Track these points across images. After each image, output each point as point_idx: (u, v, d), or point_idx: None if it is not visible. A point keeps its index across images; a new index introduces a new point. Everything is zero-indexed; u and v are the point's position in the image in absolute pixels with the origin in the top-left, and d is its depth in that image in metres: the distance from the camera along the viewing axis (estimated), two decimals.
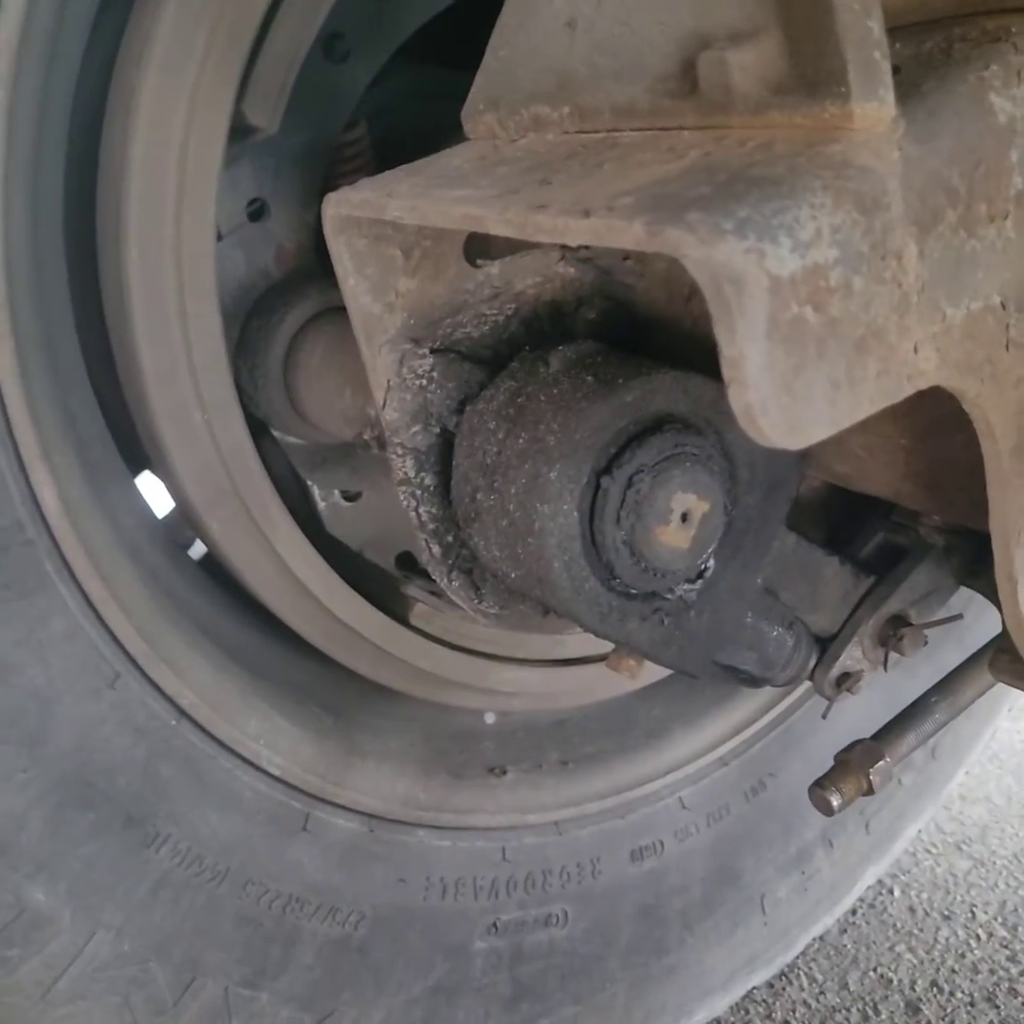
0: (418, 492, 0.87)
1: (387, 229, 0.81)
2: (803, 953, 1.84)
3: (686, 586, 0.84)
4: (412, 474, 0.86)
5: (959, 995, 1.82)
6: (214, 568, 1.24)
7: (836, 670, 1.00)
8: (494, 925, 1.38)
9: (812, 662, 0.98)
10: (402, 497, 0.88)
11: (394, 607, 1.30)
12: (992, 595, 0.98)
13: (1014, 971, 1.86)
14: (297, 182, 1.17)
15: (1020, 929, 1.96)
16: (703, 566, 0.84)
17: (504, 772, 1.41)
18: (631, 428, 0.78)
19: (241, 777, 1.16)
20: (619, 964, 1.50)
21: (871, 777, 1.03)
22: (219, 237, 1.14)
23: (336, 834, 1.24)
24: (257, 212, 1.16)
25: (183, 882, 1.12)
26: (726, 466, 0.83)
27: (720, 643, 0.88)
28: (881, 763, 1.03)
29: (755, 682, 0.94)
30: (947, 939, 1.94)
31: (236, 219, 1.15)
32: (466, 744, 1.41)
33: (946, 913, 2.01)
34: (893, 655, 1.03)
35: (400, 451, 0.86)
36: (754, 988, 1.75)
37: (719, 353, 0.54)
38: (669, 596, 0.83)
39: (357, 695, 1.32)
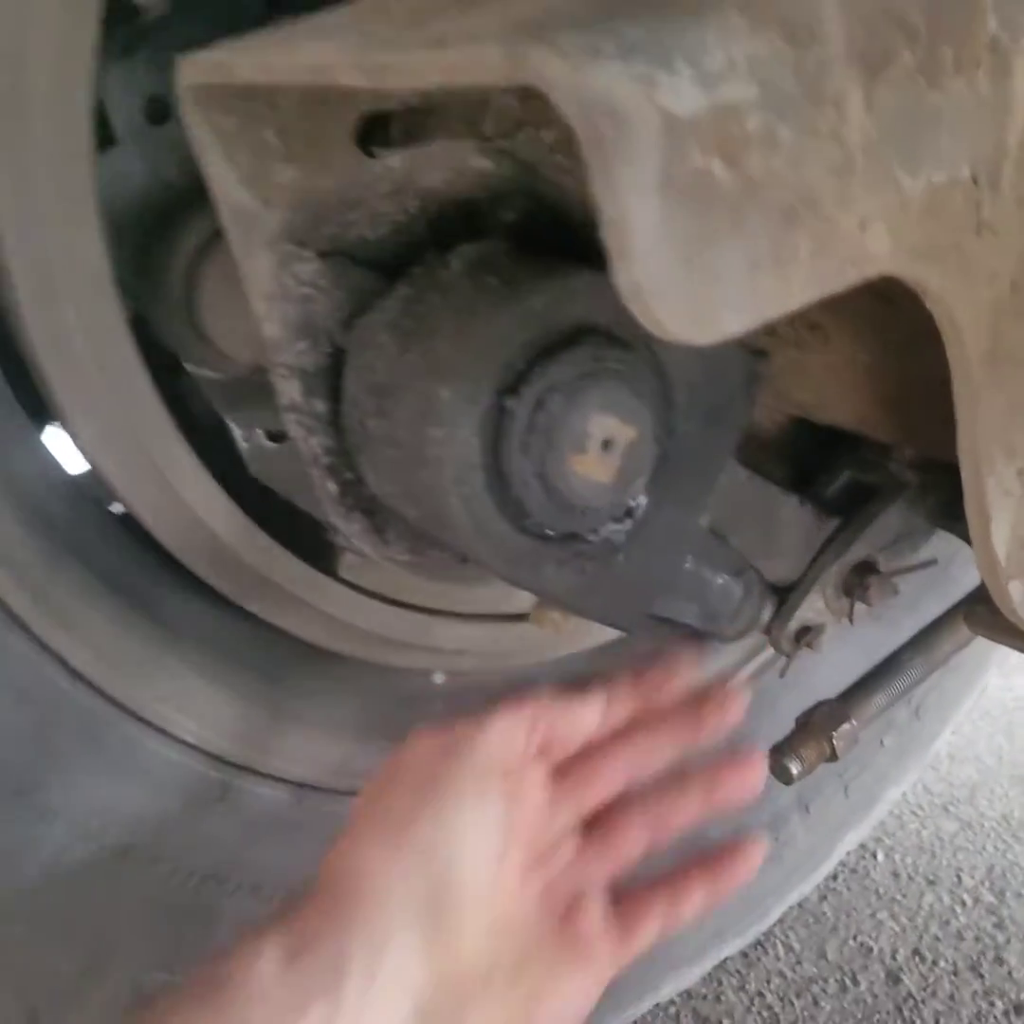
0: (308, 420, 0.76)
1: (259, 106, 0.69)
2: (780, 921, 1.75)
3: (612, 526, 0.73)
4: (300, 399, 0.75)
5: (942, 964, 1.73)
6: (128, 520, 1.13)
7: (795, 623, 0.89)
8: None
9: (766, 614, 0.87)
10: (290, 426, 0.76)
11: (325, 558, 1.19)
12: (969, 539, 0.87)
13: (1000, 938, 1.77)
14: None
15: (1008, 894, 1.87)
16: (632, 504, 0.73)
17: None
18: (542, 339, 0.66)
19: (147, 745, 1.06)
20: None
21: (835, 742, 0.92)
22: (114, 142, 1.02)
23: (259, 804, 1.14)
24: (158, 114, 1.04)
25: (81, 860, 1.02)
26: (658, 386, 0.71)
27: (655, 592, 0.77)
28: (845, 726, 0.93)
29: (697, 637, 0.83)
30: (931, 905, 1.85)
31: (134, 122, 1.03)
32: (411, 706, 1.30)
33: (931, 878, 1.91)
34: (860, 607, 0.91)
35: (284, 372, 0.74)
36: (727, 958, 1.66)
37: (599, 219, 0.43)
38: (592, 538, 0.72)
39: (288, 654, 1.21)
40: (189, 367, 1.12)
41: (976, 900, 1.85)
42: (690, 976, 1.59)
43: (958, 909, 1.83)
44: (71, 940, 1.04)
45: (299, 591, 1.13)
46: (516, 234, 0.77)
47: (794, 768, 0.91)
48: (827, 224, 0.49)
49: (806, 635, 0.90)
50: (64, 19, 0.86)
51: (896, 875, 1.91)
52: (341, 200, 0.74)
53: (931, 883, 1.89)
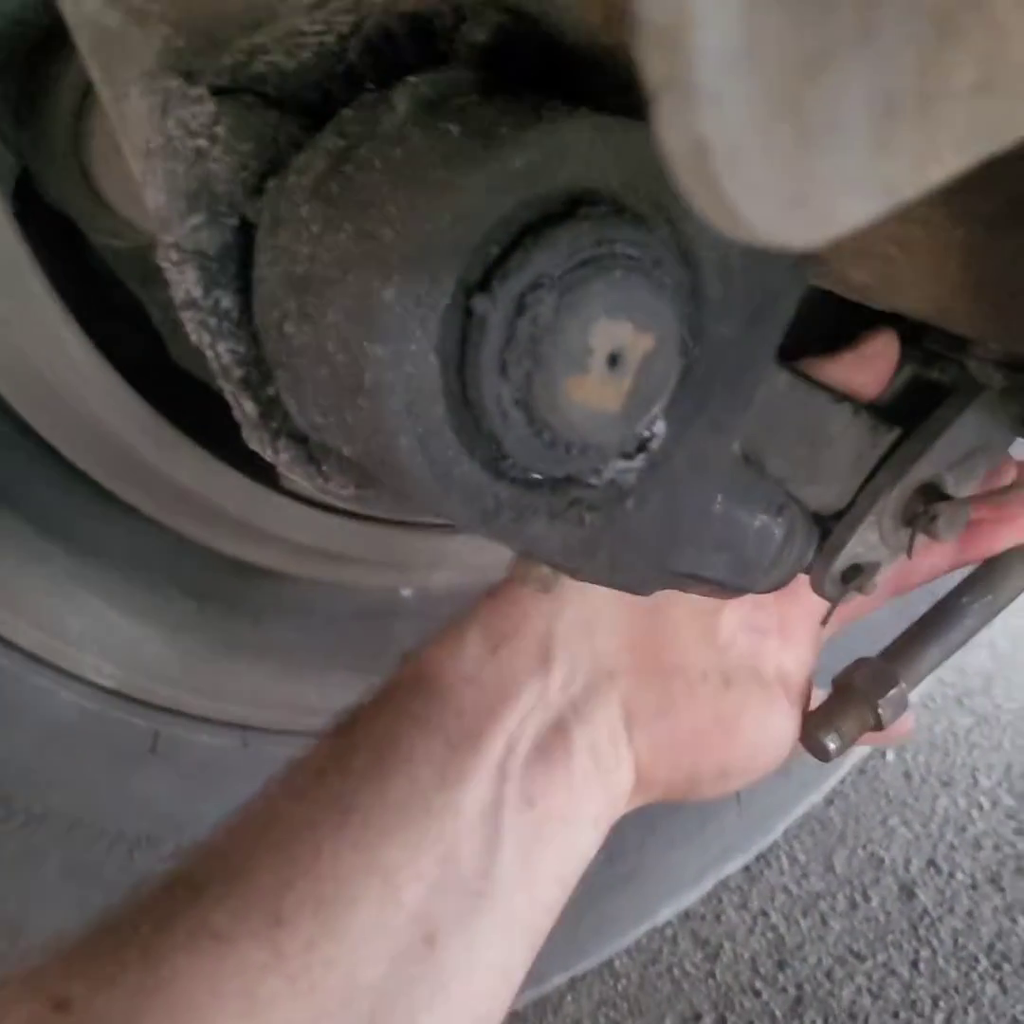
0: (212, 320, 0.56)
1: None
2: (784, 831, 1.62)
3: (621, 465, 0.54)
4: (199, 292, 0.55)
5: (960, 876, 1.62)
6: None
7: (842, 561, 0.71)
8: None
9: (809, 555, 0.69)
10: (190, 327, 0.57)
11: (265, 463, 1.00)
12: None
13: (1021, 846, 1.66)
14: None
15: None
16: (646, 435, 0.54)
17: None
18: (524, 213, 0.47)
19: (60, 695, 0.89)
20: None
21: (880, 709, 0.76)
22: None
23: (197, 753, 0.98)
24: None
25: None
26: (684, 277, 0.52)
27: (674, 545, 0.59)
28: (894, 691, 0.76)
29: (727, 592, 0.65)
30: (946, 810, 1.73)
31: None
32: (375, 628, 1.13)
33: (945, 779, 1.79)
34: (921, 539, 0.74)
35: (175, 256, 0.54)
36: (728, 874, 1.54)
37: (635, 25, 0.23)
38: (594, 481, 0.54)
39: (228, 576, 1.04)
40: (90, 235, 0.92)
41: (994, 803, 1.73)
42: (689, 898, 1.47)
43: (975, 813, 1.71)
44: None
45: (234, 507, 0.95)
46: (486, 63, 0.56)
47: (832, 744, 0.75)
48: (999, 37, 0.30)
49: (857, 576, 0.72)
50: None
51: (908, 776, 1.79)
52: (245, 15, 0.53)
53: (945, 785, 1.77)
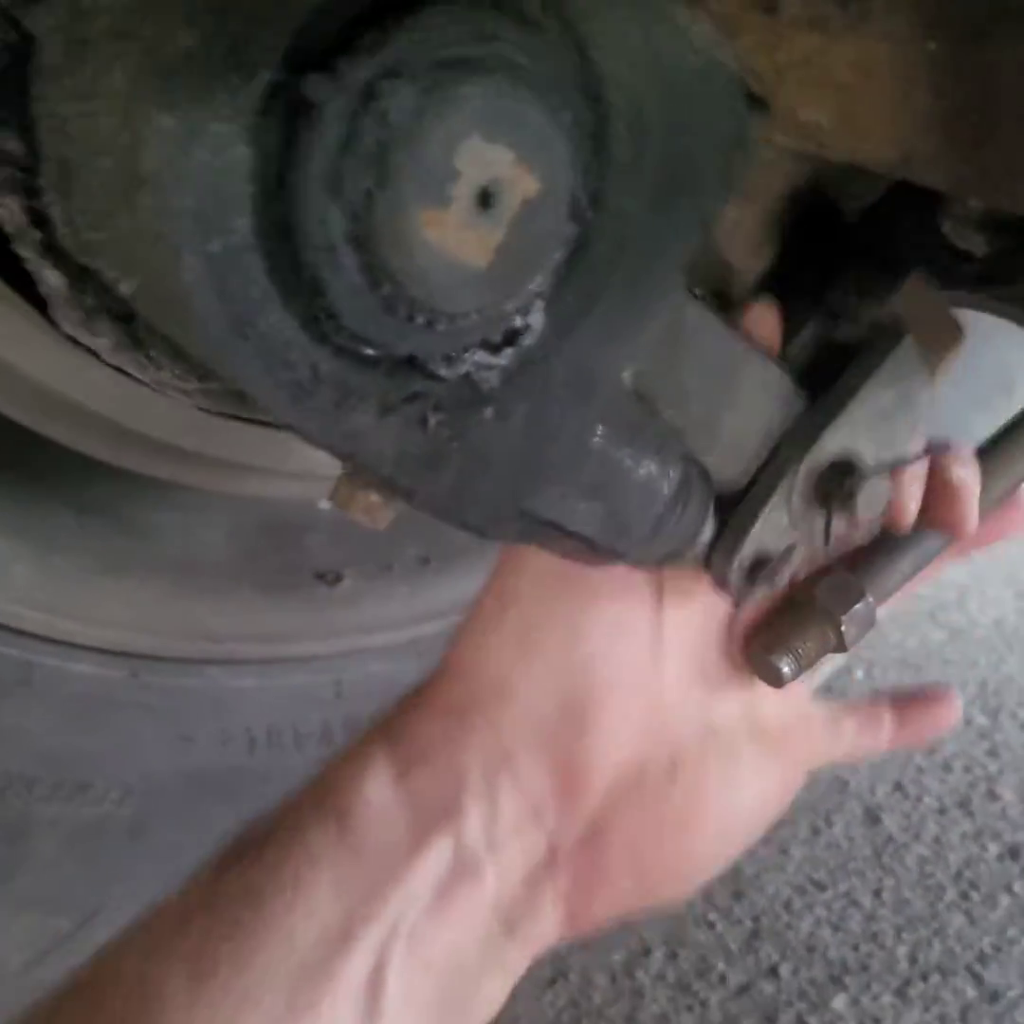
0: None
1: None
2: None
3: (481, 357, 0.42)
4: None
5: (927, 800, 1.58)
6: None
7: (747, 550, 0.59)
8: None
9: (704, 532, 0.57)
10: None
11: None
12: None
13: (992, 768, 1.61)
14: None
15: (1001, 715, 1.70)
16: (517, 324, 0.42)
17: (339, 578, 1.05)
18: None
19: None
20: None
21: (843, 626, 0.65)
22: None
23: (78, 685, 0.89)
24: None
25: None
26: (587, 117, 0.41)
27: (538, 478, 0.47)
28: (859, 606, 0.65)
29: (595, 555, 0.54)
30: None
31: None
32: (285, 542, 1.04)
33: None
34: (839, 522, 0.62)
35: None
36: None
37: None
38: (444, 372, 0.42)
39: (114, 486, 0.94)
40: None
41: (967, 722, 1.69)
42: None
43: (945, 734, 1.66)
44: None
45: (110, 411, 0.84)
46: None
47: (786, 668, 0.65)
48: None
49: (763, 568, 0.60)
50: None
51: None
52: None
53: None
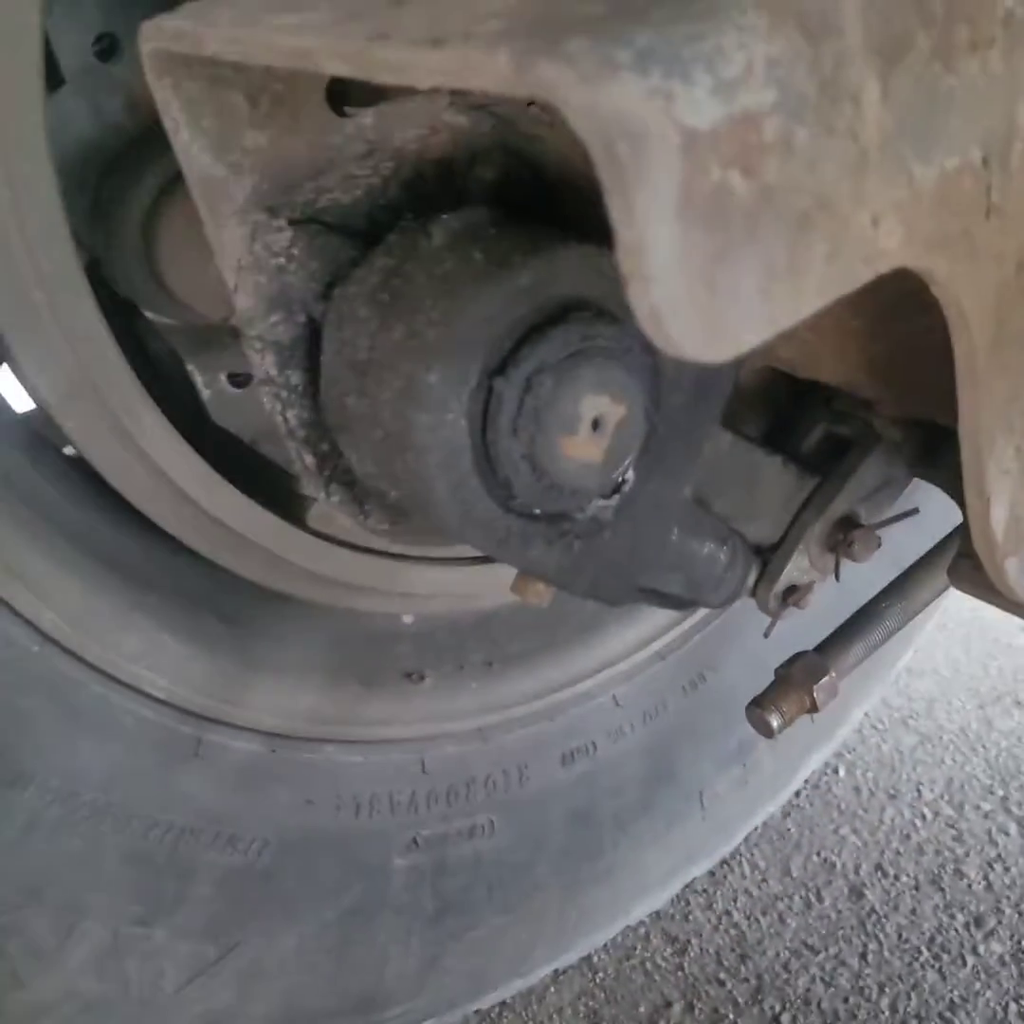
0: (284, 393, 0.73)
1: (226, 69, 0.65)
2: (745, 840, 1.78)
3: (600, 503, 0.71)
4: (275, 372, 0.72)
5: (904, 878, 1.77)
6: (88, 469, 1.09)
7: (781, 583, 0.89)
8: (415, 841, 1.28)
9: (751, 577, 0.87)
10: (266, 399, 0.74)
11: (292, 505, 1.16)
12: (950, 487, 0.87)
13: (959, 851, 1.82)
14: (153, 9, 0.98)
15: (966, 807, 1.91)
16: (620, 479, 0.71)
17: (422, 677, 1.30)
18: (530, 317, 0.64)
19: (119, 703, 1.04)
20: (550, 871, 1.42)
21: (815, 694, 0.93)
22: (61, 82, 0.96)
23: (233, 757, 1.13)
24: (106, 51, 0.98)
25: (57, 822, 1.01)
26: (648, 361, 0.69)
27: (641, 566, 0.76)
28: (826, 679, 0.93)
29: (683, 605, 0.82)
30: (892, 819, 1.89)
31: (80, 59, 0.97)
32: (380, 648, 1.29)
33: (892, 792, 1.95)
34: (845, 562, 0.91)
35: (258, 345, 0.71)
36: (694, 878, 1.69)
37: (614, 236, 0.40)
38: (580, 516, 0.71)
39: (255, 602, 1.20)
40: (147, 313, 1.08)
41: (936, 813, 1.89)
42: (659, 899, 1.62)
43: (918, 823, 1.87)
44: (49, 900, 1.03)
45: (267, 542, 1.11)
46: (496, 194, 0.74)
47: (775, 721, 0.91)
48: (841, 225, 0.47)
49: (793, 595, 0.89)
50: None
51: (858, 790, 1.95)
52: (313, 164, 0.70)
53: (892, 797, 1.93)
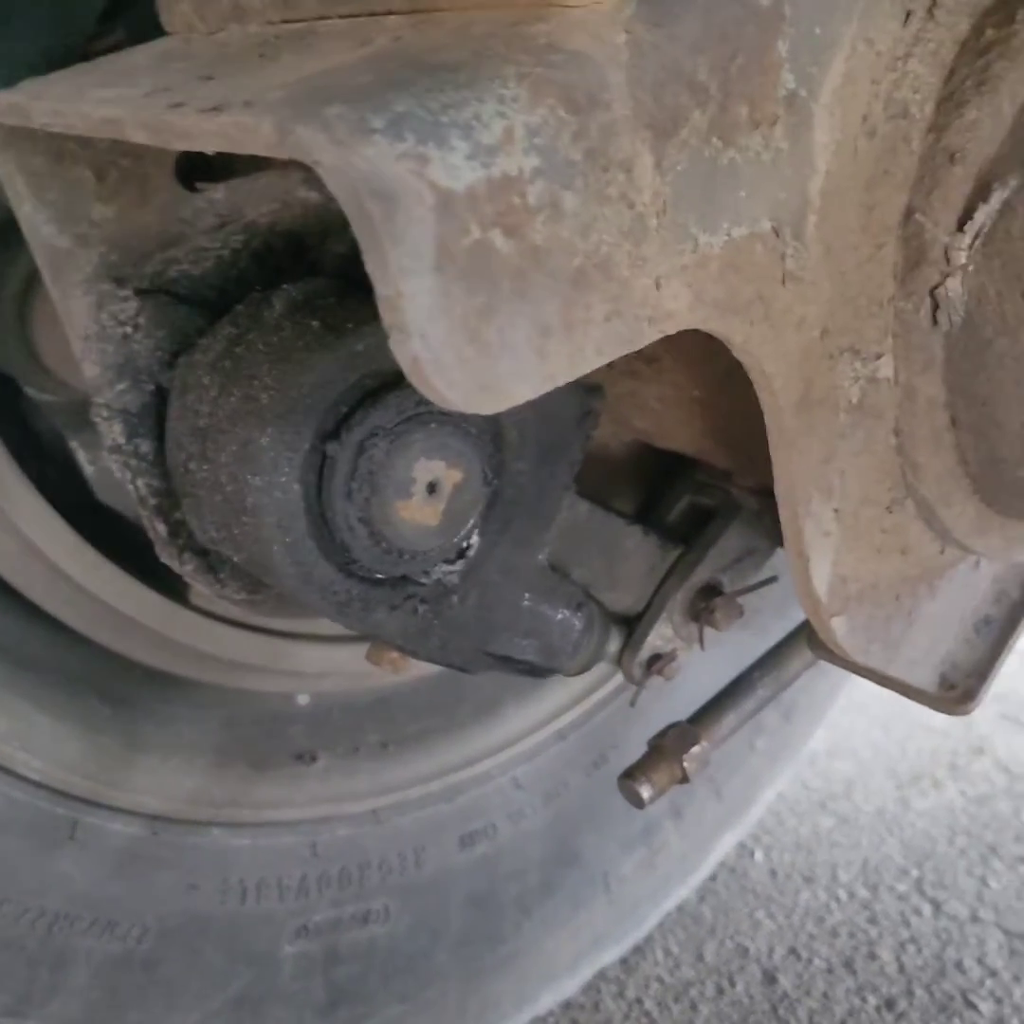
0: (133, 461, 0.73)
1: (71, 144, 0.66)
2: (659, 925, 1.76)
3: (444, 568, 0.72)
4: (123, 440, 0.73)
5: (817, 961, 1.76)
6: None
7: (645, 652, 0.89)
8: (305, 927, 1.26)
9: (610, 645, 0.87)
10: (115, 467, 0.74)
11: (177, 582, 1.16)
12: None
13: (873, 933, 1.81)
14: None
15: (881, 889, 1.91)
16: (464, 544, 0.72)
17: (315, 758, 1.28)
18: (364, 383, 0.65)
19: None
20: (449, 958, 1.40)
21: (685, 764, 0.93)
22: None
23: (111, 841, 1.11)
24: None
25: None
26: (486, 427, 0.71)
27: (492, 632, 0.76)
28: (696, 748, 0.93)
29: (537, 673, 0.83)
30: (807, 903, 1.88)
31: None
32: (271, 729, 1.28)
33: (807, 875, 1.95)
34: (710, 631, 0.92)
35: (105, 413, 0.72)
36: (606, 966, 1.67)
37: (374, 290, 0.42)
38: (424, 580, 0.71)
39: (140, 682, 1.18)
40: (27, 390, 1.09)
41: (851, 895, 1.89)
42: (568, 987, 1.60)
43: (833, 905, 1.86)
44: None
45: (148, 620, 1.10)
46: (347, 267, 0.76)
47: (645, 792, 0.91)
48: (621, 286, 0.49)
49: (657, 663, 0.90)
50: None
51: (774, 873, 1.94)
52: (162, 236, 0.72)
53: (808, 880, 1.93)
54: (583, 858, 1.53)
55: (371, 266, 0.40)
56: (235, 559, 0.70)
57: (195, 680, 1.20)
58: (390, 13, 0.55)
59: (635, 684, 0.90)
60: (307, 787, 1.27)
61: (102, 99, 0.54)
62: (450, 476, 0.67)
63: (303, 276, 0.74)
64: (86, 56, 1.05)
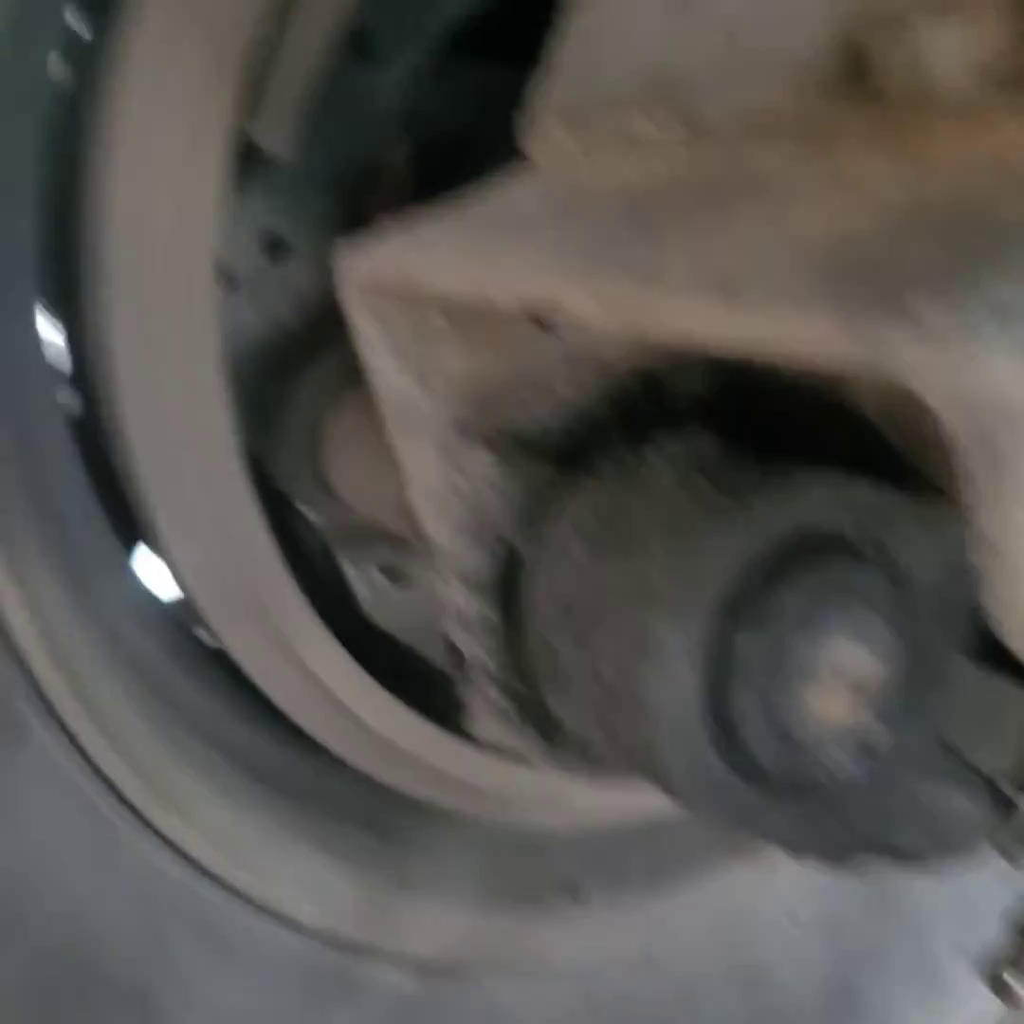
0: (476, 630, 0.66)
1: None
2: None
3: (850, 767, 0.61)
4: (467, 607, 0.65)
5: None
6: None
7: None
8: None
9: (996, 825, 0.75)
10: (454, 634, 0.67)
11: (450, 709, 1.09)
12: None
13: None
14: (321, 213, 0.96)
15: None
16: (871, 738, 0.62)
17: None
18: (771, 557, 0.56)
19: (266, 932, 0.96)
20: None
21: None
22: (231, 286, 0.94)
23: (378, 993, 1.04)
24: (273, 251, 0.95)
25: None
26: (899, 599, 0.60)
27: (887, 825, 0.66)
28: None
29: (918, 863, 0.71)
30: None
31: (250, 262, 0.95)
32: (534, 863, 1.19)
33: None
34: None
35: (450, 577, 0.65)
36: None
37: (972, 532, 0.32)
38: (826, 781, 0.61)
39: (411, 818, 1.11)
40: (312, 515, 1.04)
41: None
42: None
43: None
44: None
45: (429, 755, 1.03)
46: (706, 409, 0.67)
47: (1022, 989, 0.79)
48: None
49: None
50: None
51: None
52: (515, 382, 0.64)
53: None
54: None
55: (981, 497, 0.32)
56: (606, 751, 0.61)
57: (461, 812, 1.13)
58: (844, 143, 0.46)
59: (1010, 861, 0.78)
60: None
61: (524, 264, 0.46)
62: (872, 665, 0.57)
63: (659, 421, 0.65)
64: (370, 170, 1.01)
